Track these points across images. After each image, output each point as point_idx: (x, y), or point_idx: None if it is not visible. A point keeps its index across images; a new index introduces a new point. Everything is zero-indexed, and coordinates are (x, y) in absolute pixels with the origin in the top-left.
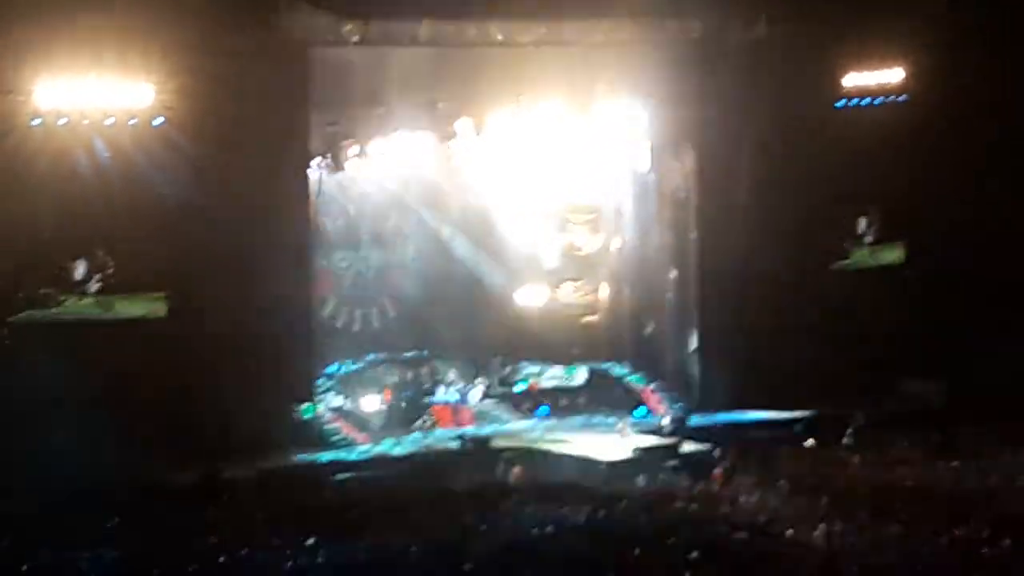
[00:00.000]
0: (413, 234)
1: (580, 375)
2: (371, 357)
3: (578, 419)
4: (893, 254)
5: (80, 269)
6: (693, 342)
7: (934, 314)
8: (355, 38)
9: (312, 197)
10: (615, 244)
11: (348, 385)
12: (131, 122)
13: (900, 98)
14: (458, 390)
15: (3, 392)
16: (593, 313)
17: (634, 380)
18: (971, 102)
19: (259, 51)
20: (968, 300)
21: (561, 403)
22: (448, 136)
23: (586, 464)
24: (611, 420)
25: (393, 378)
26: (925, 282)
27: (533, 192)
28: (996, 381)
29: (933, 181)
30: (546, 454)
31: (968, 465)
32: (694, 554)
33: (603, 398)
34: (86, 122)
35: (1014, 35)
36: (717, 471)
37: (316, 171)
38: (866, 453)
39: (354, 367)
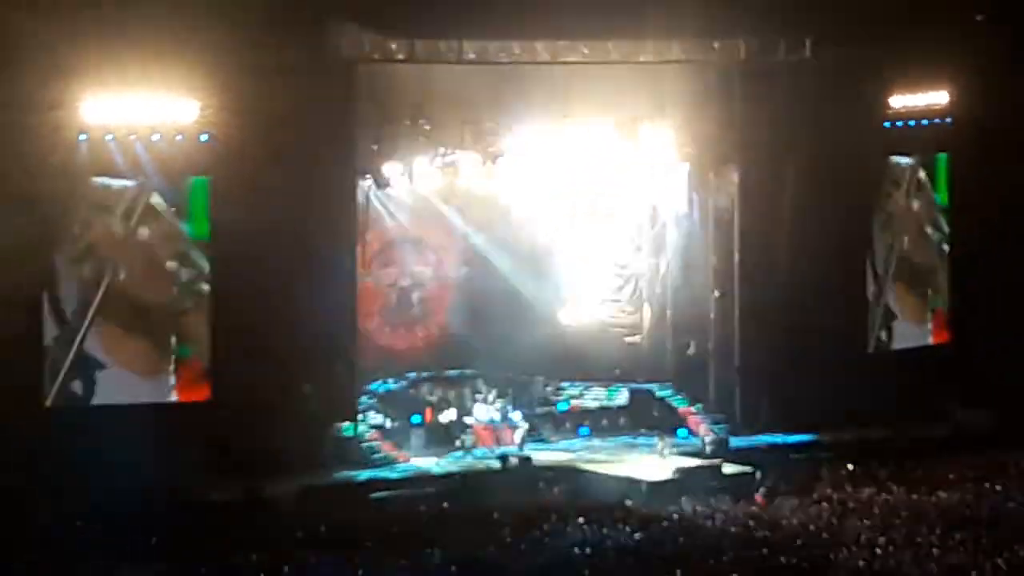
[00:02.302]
0: (457, 252)
1: (622, 395)
2: (413, 375)
3: (620, 439)
4: (939, 276)
5: None
6: (735, 363)
7: (981, 337)
8: (401, 56)
9: (357, 214)
10: (659, 264)
11: (390, 403)
12: (177, 138)
13: (945, 120)
14: (500, 409)
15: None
16: (636, 333)
17: (676, 401)
18: (1016, 125)
19: (306, 68)
20: (1014, 323)
21: (603, 423)
22: (493, 154)
23: (627, 484)
24: (653, 441)
25: (435, 397)
26: (971, 305)
27: (577, 211)
28: None
29: (978, 203)
30: (587, 474)
31: (1012, 492)
32: None
33: (645, 419)
34: (132, 137)
35: None
36: (758, 493)
37: (361, 188)
38: (909, 477)
39: (396, 385)
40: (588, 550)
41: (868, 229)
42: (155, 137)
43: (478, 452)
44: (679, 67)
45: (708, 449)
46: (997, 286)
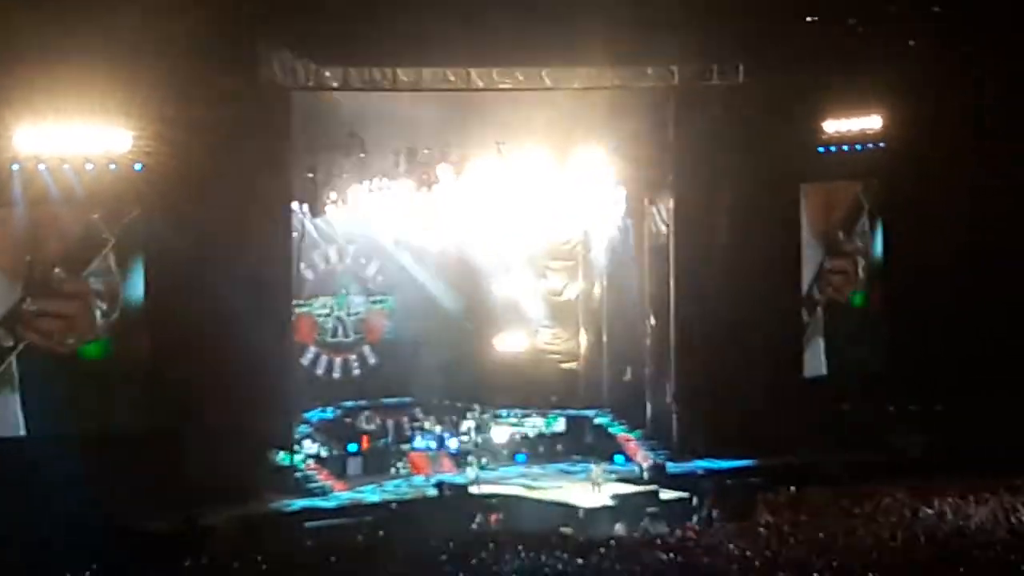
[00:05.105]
0: (393, 280)
1: (559, 422)
2: (349, 404)
3: (556, 466)
4: (873, 302)
5: None
6: (671, 389)
7: (913, 362)
8: (335, 84)
9: (292, 243)
10: (594, 290)
11: (326, 432)
12: (111, 167)
13: (879, 145)
14: (436, 437)
15: None
16: (572, 359)
17: (613, 427)
18: (949, 149)
19: (239, 97)
20: (947, 348)
21: (539, 450)
22: (428, 182)
23: (564, 511)
24: (589, 467)
25: (371, 425)
26: (903, 330)
27: (513, 238)
28: (976, 432)
29: (910, 228)
30: (524, 501)
31: (946, 516)
32: None
33: (581, 445)
34: (66, 167)
35: (991, 84)
36: (695, 519)
37: (296, 217)
38: (845, 502)
39: (332, 414)
40: None
41: (802, 254)
42: (88, 166)
43: (415, 480)
44: (613, 93)
45: (645, 475)
46: (931, 309)
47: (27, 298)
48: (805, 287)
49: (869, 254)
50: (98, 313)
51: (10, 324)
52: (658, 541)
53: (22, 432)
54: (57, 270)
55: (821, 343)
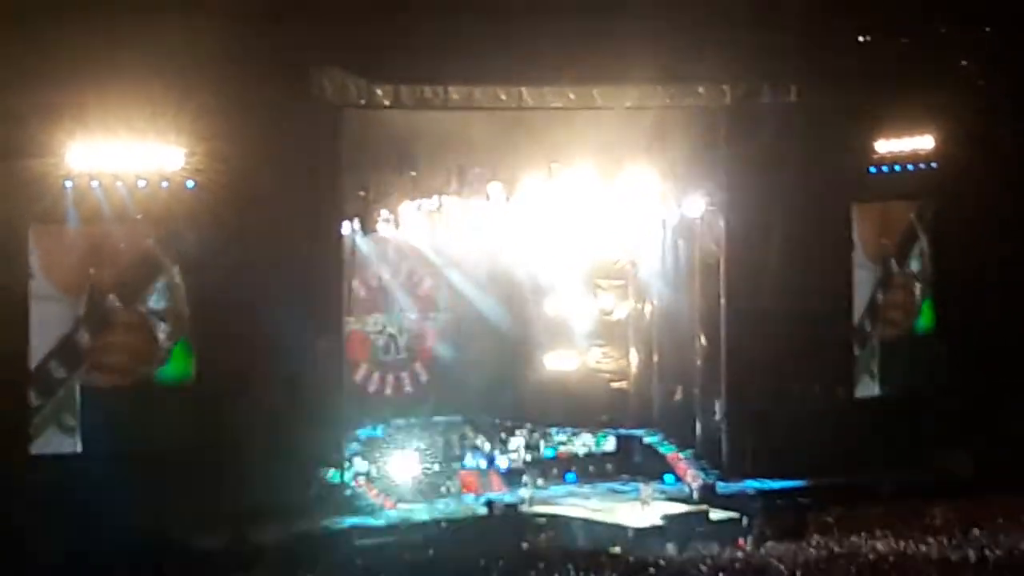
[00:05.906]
0: (445, 298)
1: (609, 441)
2: (400, 422)
3: (606, 485)
4: (924, 323)
5: None
6: (722, 409)
7: (964, 383)
8: (387, 101)
9: (343, 261)
10: (645, 309)
11: (376, 450)
12: (163, 184)
13: (931, 165)
14: (487, 455)
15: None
16: (622, 378)
17: (663, 447)
18: (1001, 170)
19: (291, 115)
20: (998, 370)
21: (589, 469)
22: (479, 199)
23: (614, 531)
24: (639, 487)
25: (422, 443)
26: (954, 351)
27: (563, 256)
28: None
29: (962, 249)
30: (574, 520)
31: (997, 537)
32: None
33: (631, 465)
34: (119, 184)
35: None
36: (745, 539)
37: (348, 234)
38: (896, 522)
39: (383, 432)
40: None
41: (854, 275)
42: (141, 183)
43: (465, 498)
44: (665, 111)
45: (695, 495)
46: (983, 329)
47: (80, 328)
48: (858, 318)
49: (924, 280)
50: (156, 340)
51: (64, 356)
52: (708, 561)
53: (78, 449)
54: (111, 297)
55: (874, 364)
